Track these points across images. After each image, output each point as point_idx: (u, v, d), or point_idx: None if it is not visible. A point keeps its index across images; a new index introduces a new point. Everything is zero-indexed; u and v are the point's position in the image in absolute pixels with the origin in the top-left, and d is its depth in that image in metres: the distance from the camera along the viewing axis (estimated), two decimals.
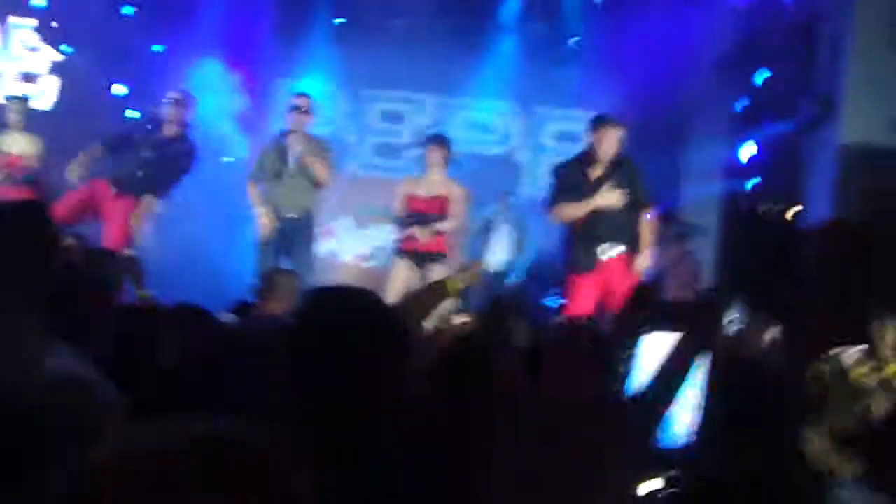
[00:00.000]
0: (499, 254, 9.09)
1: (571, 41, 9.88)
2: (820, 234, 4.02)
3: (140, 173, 7.27)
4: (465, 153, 8.80)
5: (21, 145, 7.94)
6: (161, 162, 7.32)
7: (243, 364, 2.55)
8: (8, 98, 8.38)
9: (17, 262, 2.45)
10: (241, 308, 5.15)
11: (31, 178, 7.90)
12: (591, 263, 6.31)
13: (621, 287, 5.85)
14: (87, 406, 2.33)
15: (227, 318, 4.56)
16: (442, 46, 9.27)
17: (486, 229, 9.11)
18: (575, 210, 6.30)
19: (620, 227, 6.31)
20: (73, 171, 7.23)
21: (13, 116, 7.98)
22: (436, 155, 7.23)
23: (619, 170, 6.34)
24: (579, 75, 9.57)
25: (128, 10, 9.56)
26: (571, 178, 6.36)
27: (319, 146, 7.35)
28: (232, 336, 3.10)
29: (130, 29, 9.45)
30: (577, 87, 9.54)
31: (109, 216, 7.28)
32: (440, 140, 7.36)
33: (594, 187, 6.29)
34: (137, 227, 7.31)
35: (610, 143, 6.26)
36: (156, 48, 9.80)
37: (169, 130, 7.41)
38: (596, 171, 6.34)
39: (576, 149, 6.87)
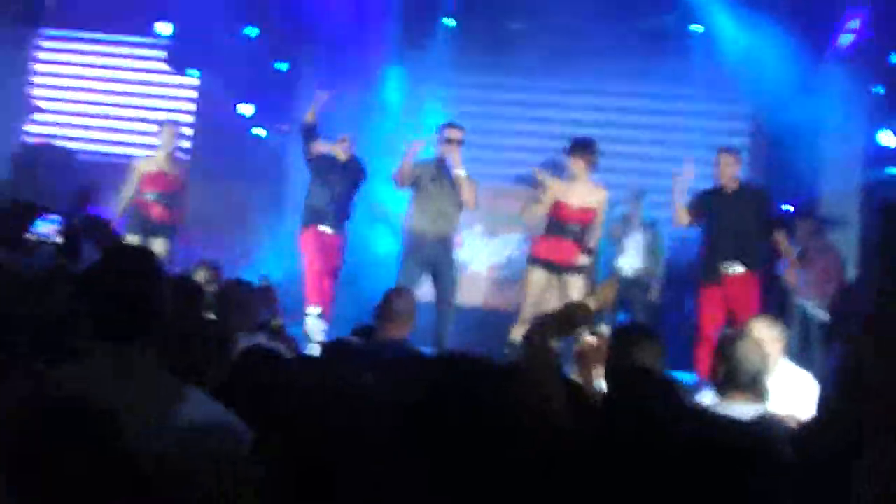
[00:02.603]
0: (632, 259, 8.69)
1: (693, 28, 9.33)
2: None
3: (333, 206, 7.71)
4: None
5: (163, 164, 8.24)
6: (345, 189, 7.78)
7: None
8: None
9: (140, 305, 2.36)
10: (363, 330, 5.10)
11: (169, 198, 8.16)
12: (716, 279, 6.87)
13: (743, 305, 6.55)
14: (225, 451, 2.29)
15: (353, 341, 4.49)
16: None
17: (618, 233, 8.68)
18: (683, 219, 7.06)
19: (744, 248, 6.85)
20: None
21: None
22: (581, 163, 7.01)
23: (745, 195, 6.97)
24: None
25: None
26: (703, 199, 7.04)
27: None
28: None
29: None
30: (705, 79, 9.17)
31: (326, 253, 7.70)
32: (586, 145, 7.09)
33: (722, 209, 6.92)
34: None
35: (729, 169, 6.90)
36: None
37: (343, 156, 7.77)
38: (725, 195, 6.97)
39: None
